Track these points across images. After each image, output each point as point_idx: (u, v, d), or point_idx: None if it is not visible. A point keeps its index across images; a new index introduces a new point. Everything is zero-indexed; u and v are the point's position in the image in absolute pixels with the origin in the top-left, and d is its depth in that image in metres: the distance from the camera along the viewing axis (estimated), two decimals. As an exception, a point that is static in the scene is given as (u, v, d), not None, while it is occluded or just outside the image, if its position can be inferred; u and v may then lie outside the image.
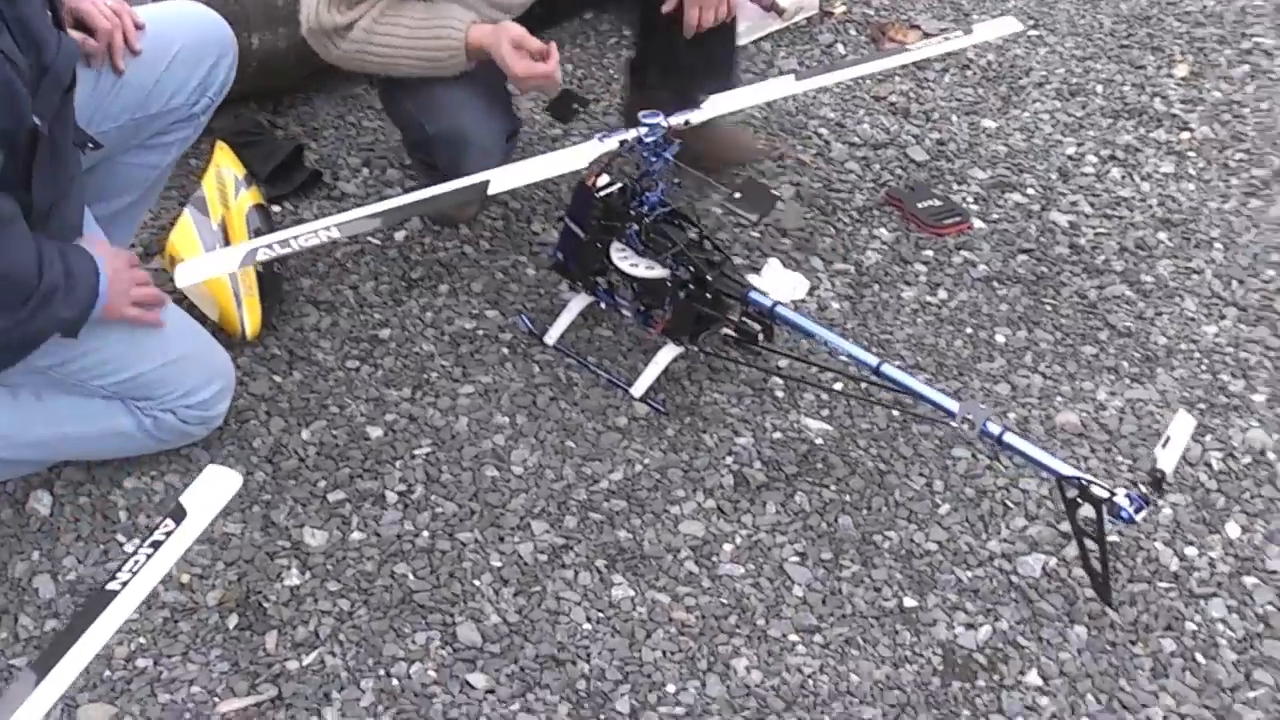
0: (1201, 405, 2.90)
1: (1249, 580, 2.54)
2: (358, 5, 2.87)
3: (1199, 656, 2.41)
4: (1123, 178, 3.60)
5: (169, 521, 1.94)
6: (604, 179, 2.79)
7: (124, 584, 1.85)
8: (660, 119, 2.72)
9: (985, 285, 3.21)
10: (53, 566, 2.47)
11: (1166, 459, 2.30)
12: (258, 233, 2.98)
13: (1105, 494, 2.25)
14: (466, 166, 2.86)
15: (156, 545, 1.91)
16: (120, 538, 2.52)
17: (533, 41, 2.87)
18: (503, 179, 2.61)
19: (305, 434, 2.73)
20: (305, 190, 3.36)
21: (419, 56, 2.91)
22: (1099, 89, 3.99)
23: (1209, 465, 2.77)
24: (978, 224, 3.39)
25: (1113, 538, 2.50)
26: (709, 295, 2.74)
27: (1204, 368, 3.01)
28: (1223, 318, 3.15)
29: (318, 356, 2.91)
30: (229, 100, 3.52)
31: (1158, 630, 2.44)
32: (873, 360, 2.57)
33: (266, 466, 2.65)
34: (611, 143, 2.72)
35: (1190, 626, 2.45)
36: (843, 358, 2.78)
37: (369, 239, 3.20)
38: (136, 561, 1.88)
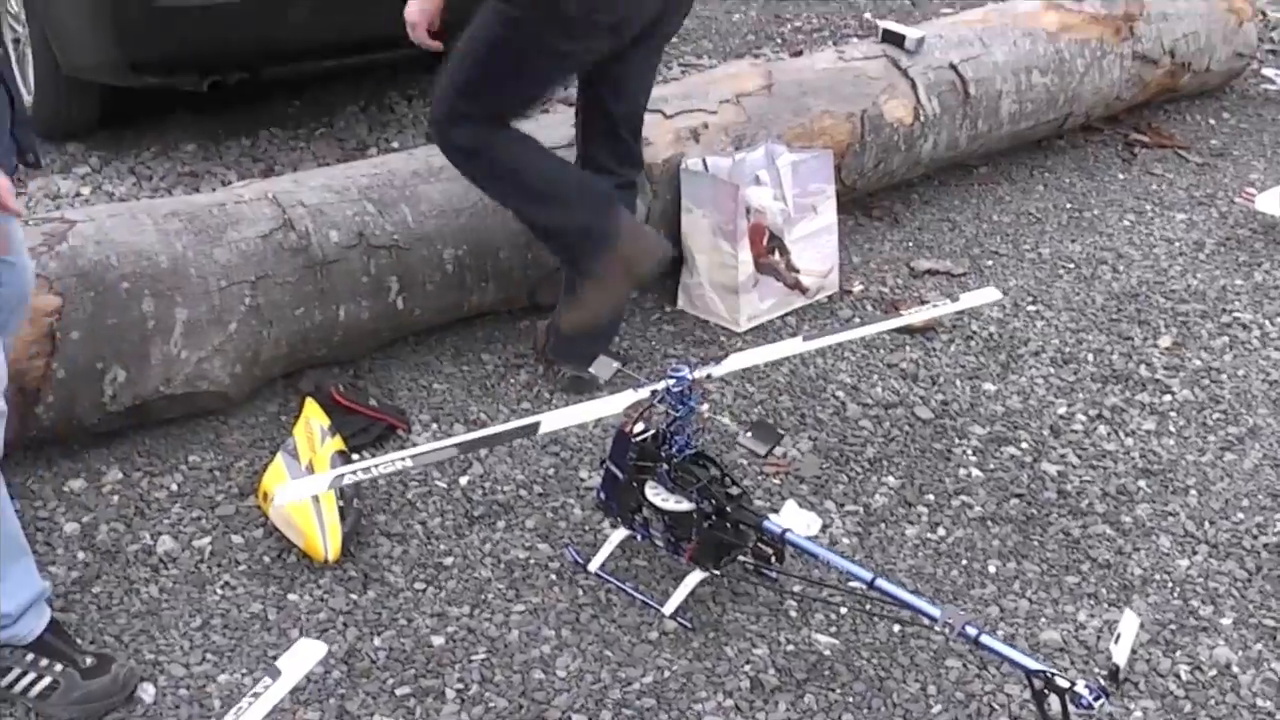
0: (1173, 626, 3.25)
1: (1211, 778, 2.87)
2: None
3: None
4: (1108, 434, 4.03)
5: (266, 679, 2.41)
6: (639, 426, 3.25)
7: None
8: (685, 372, 3.18)
9: (980, 524, 3.61)
10: (158, 749, 2.88)
11: (1119, 653, 2.67)
12: (340, 473, 3.46)
13: (1067, 684, 2.62)
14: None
15: (257, 696, 2.37)
16: (216, 723, 2.93)
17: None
18: (551, 421, 3.07)
19: (377, 641, 3.13)
20: (381, 441, 3.84)
21: None
22: (1090, 357, 4.45)
23: (1178, 676, 3.11)
24: (975, 472, 3.80)
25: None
26: (729, 524, 3.16)
27: (1176, 595, 3.38)
28: (1195, 553, 3.53)
29: (389, 579, 3.33)
30: (318, 364, 4.05)
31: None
32: (867, 575, 2.97)
33: (343, 666, 3.05)
34: (644, 392, 3.18)
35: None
36: (839, 574, 3.18)
37: (437, 482, 3.65)
38: (240, 709, 2.34)
